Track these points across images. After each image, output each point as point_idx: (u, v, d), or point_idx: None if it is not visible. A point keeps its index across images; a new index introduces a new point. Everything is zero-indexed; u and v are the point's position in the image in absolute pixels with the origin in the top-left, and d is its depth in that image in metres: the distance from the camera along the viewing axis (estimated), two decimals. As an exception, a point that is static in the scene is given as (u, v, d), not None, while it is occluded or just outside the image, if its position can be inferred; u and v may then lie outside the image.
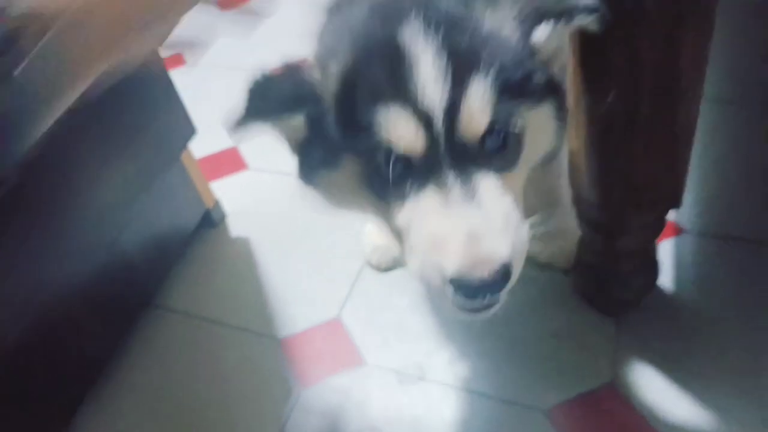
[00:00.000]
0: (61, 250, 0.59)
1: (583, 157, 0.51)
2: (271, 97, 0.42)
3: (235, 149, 0.98)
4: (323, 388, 0.64)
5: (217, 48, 1.20)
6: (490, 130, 0.39)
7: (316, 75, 0.43)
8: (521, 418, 0.58)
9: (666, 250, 0.67)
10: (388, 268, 0.73)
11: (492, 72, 0.39)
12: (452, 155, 0.39)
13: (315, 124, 0.43)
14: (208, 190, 0.83)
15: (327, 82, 0.42)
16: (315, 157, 0.44)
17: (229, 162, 0.95)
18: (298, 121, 0.44)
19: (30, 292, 0.56)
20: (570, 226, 0.60)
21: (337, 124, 0.42)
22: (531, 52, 0.41)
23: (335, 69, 0.42)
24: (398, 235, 0.43)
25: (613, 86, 0.44)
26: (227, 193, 0.87)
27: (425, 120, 0.38)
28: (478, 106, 0.38)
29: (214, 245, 0.83)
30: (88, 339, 0.66)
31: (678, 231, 0.70)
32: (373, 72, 0.40)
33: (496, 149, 0.40)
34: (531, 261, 0.57)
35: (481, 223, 0.38)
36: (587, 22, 0.40)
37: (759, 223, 0.69)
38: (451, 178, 0.39)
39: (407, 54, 0.39)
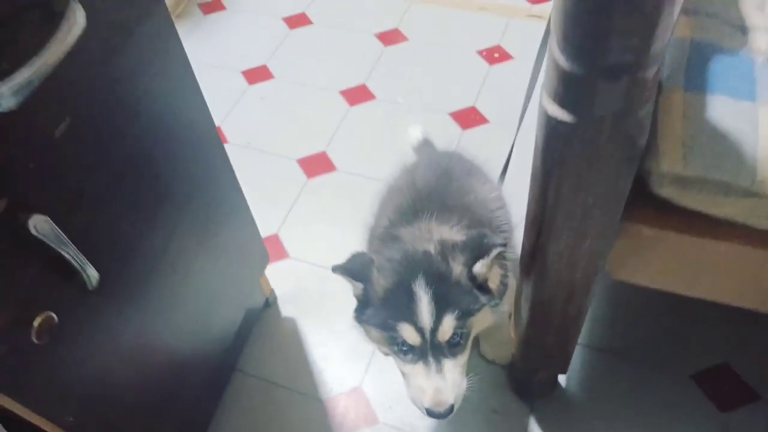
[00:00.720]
0: (171, 322, 0.91)
1: (517, 327, 0.91)
2: (352, 265, 0.78)
3: (276, 236, 1.34)
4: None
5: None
6: (453, 336, 0.75)
7: (375, 273, 0.77)
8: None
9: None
10: None
11: (454, 309, 0.73)
12: (432, 349, 0.75)
13: (367, 296, 0.78)
14: (267, 280, 1.20)
15: (377, 285, 0.77)
16: (364, 311, 0.79)
17: (273, 251, 1.31)
18: (359, 287, 0.79)
19: (148, 352, 0.85)
20: (508, 340, 1.01)
21: (377, 311, 0.78)
22: (475, 280, 0.76)
23: (382, 283, 0.77)
24: (403, 374, 0.81)
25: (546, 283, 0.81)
26: (274, 278, 1.24)
27: (421, 331, 0.74)
28: (447, 329, 0.74)
29: (270, 323, 1.20)
30: (194, 392, 1.02)
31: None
32: (399, 299, 0.75)
33: (455, 344, 0.76)
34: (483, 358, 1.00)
35: (442, 385, 0.75)
36: (500, 252, 0.75)
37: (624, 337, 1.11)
38: (431, 360, 0.75)
39: (416, 296, 0.73)
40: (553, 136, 0.59)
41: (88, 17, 0.56)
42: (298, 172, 1.48)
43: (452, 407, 0.75)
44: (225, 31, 1.90)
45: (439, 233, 0.80)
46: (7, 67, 0.50)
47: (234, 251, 1.01)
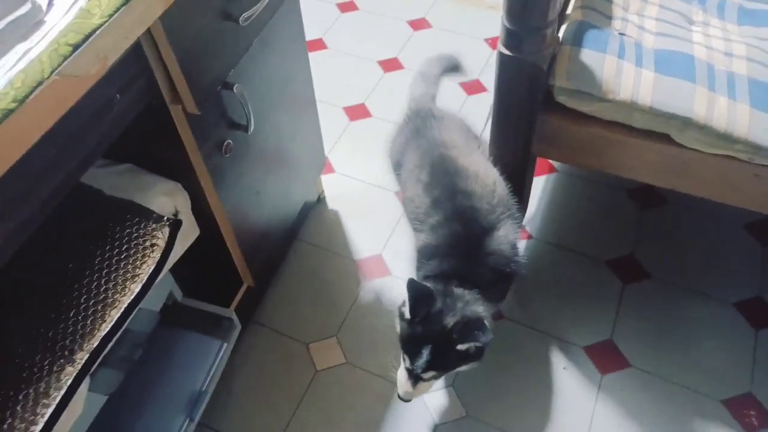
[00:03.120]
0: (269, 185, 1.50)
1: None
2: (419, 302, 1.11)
3: (327, 158, 1.91)
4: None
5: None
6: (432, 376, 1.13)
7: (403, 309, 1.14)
8: None
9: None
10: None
11: (436, 369, 1.11)
12: (415, 374, 1.12)
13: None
14: (320, 182, 1.77)
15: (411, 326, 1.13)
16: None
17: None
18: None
19: (262, 194, 1.50)
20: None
21: (407, 334, 1.14)
22: (460, 353, 1.09)
23: (400, 327, 1.17)
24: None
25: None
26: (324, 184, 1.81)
27: (411, 362, 1.11)
28: (428, 375, 1.11)
29: (321, 211, 1.78)
30: (275, 240, 1.58)
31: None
32: (413, 347, 1.11)
33: (429, 378, 1.13)
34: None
35: (410, 391, 1.14)
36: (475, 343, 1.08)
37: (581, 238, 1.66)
38: (412, 378, 1.13)
39: (420, 352, 1.09)
40: (502, 64, 1.15)
41: None
42: (344, 117, 2.06)
43: (410, 400, 1.18)
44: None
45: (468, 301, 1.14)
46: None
47: (306, 156, 1.57)
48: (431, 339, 1.09)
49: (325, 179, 1.84)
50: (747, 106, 1.10)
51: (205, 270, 1.38)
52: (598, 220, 1.73)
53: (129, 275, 0.96)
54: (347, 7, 2.48)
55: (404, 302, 1.12)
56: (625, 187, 1.78)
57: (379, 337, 1.51)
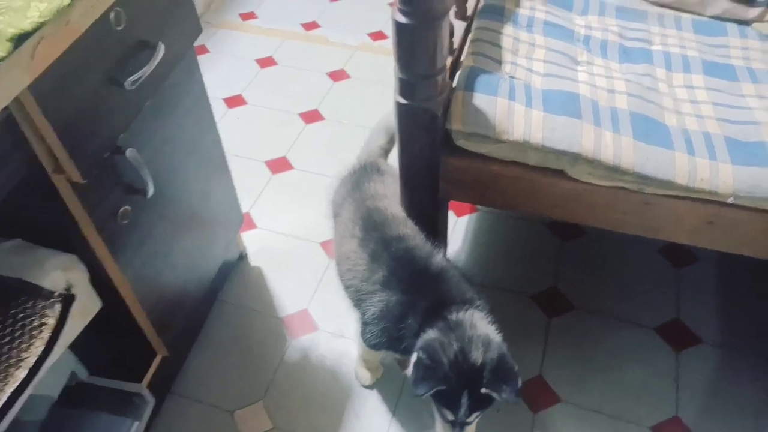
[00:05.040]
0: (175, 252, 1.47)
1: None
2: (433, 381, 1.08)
3: (248, 213, 1.91)
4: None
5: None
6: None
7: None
8: None
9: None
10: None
11: (481, 410, 1.09)
12: (459, 423, 1.11)
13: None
14: (241, 240, 1.76)
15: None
16: (427, 381, 1.08)
17: (245, 223, 1.87)
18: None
19: (171, 262, 1.47)
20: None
21: (434, 384, 1.08)
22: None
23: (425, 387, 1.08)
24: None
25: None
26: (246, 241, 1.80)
27: (455, 415, 1.09)
28: (472, 420, 1.11)
29: (243, 269, 1.76)
30: (191, 304, 1.55)
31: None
32: (446, 394, 1.08)
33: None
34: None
35: None
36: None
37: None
38: (457, 427, 1.11)
39: (459, 401, 1.07)
40: (400, 112, 1.20)
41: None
42: (266, 170, 2.07)
43: None
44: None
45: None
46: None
47: (220, 214, 1.57)
48: (465, 383, 1.07)
49: (247, 236, 1.83)
50: (631, 138, 1.17)
51: (114, 344, 1.34)
52: (521, 256, 1.78)
53: (13, 361, 0.92)
54: (266, 63, 2.53)
55: (417, 364, 1.11)
56: (545, 221, 1.85)
57: (309, 397, 1.48)
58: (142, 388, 1.27)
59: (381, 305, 1.22)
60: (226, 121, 2.26)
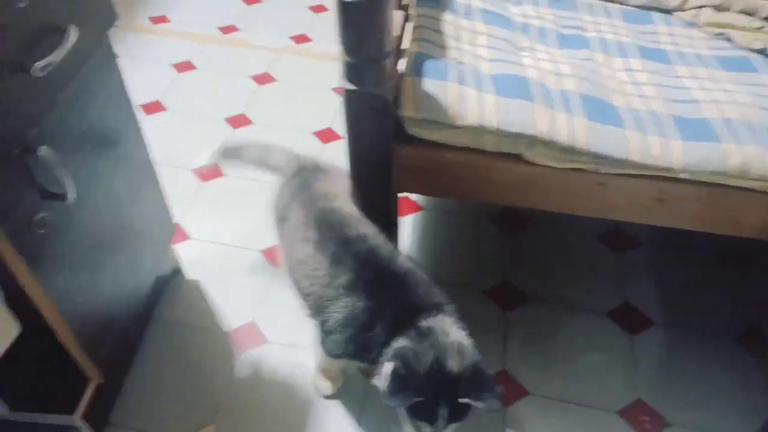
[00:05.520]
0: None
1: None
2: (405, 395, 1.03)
3: (178, 224, 1.77)
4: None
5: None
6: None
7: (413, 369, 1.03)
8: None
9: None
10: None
11: (459, 420, 1.03)
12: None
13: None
14: (174, 253, 1.62)
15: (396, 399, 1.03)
16: (398, 395, 1.03)
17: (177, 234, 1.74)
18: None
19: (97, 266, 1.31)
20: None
21: (407, 398, 1.02)
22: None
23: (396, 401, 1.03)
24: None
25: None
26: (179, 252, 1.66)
27: (432, 426, 1.04)
28: (451, 428, 1.04)
29: (178, 284, 1.62)
30: (124, 324, 1.40)
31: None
32: (422, 406, 1.02)
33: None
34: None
35: None
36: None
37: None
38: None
39: (437, 413, 1.02)
40: (348, 99, 1.13)
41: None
42: (194, 178, 1.93)
43: None
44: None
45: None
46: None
47: (151, 222, 1.44)
48: (443, 393, 1.02)
49: (180, 247, 1.69)
50: (584, 119, 1.17)
51: (39, 373, 1.18)
52: (469, 252, 1.76)
53: None
54: (185, 67, 2.39)
55: (393, 375, 1.04)
56: (490, 216, 1.84)
57: (265, 416, 1.37)
58: (76, 420, 1.11)
59: (346, 311, 1.14)
60: (145, 128, 2.10)
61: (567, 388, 1.44)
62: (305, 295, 1.24)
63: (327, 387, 1.40)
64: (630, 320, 1.59)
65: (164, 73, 2.36)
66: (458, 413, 1.05)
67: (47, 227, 0.99)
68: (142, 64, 2.39)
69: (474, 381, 1.04)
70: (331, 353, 1.21)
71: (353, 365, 1.43)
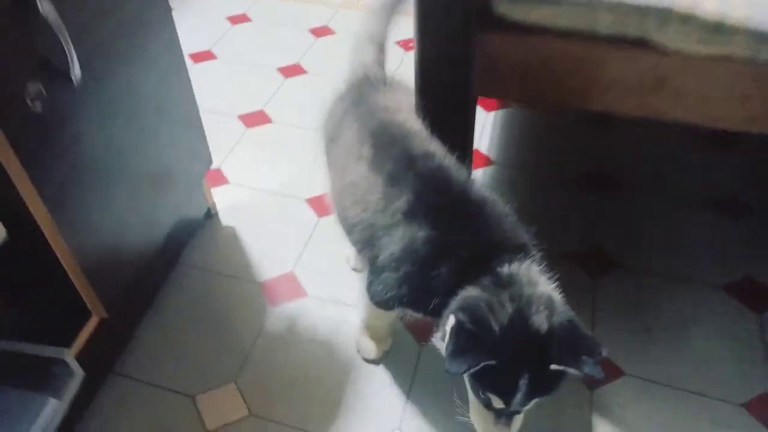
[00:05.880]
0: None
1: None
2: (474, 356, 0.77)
3: (219, 170, 1.58)
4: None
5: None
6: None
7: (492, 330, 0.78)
8: None
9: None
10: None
11: (542, 395, 0.79)
12: (510, 412, 0.83)
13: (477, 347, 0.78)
14: (210, 193, 1.43)
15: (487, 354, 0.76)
16: (467, 356, 0.77)
17: (217, 179, 1.55)
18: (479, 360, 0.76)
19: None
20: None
21: (478, 361, 0.76)
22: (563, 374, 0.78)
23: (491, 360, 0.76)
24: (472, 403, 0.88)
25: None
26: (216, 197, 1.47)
27: (507, 403, 0.79)
28: (528, 406, 0.81)
29: (212, 229, 1.43)
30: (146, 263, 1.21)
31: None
32: (497, 373, 0.76)
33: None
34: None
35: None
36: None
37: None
38: (503, 418, 0.84)
39: (517, 382, 0.76)
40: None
41: None
42: (239, 125, 1.75)
43: None
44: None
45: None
46: None
47: (183, 145, 1.25)
48: (524, 357, 0.78)
49: (217, 192, 1.50)
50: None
51: (34, 301, 1.00)
52: (549, 214, 1.48)
53: None
54: (239, 20, 2.24)
55: (457, 330, 0.80)
56: (573, 174, 1.57)
57: (296, 377, 1.14)
58: (66, 353, 0.92)
59: (403, 243, 0.90)
60: (192, 76, 1.94)
61: (674, 371, 1.15)
62: (352, 227, 1.01)
63: (371, 349, 1.16)
64: (754, 296, 1.27)
65: (217, 25, 2.21)
66: (544, 385, 0.79)
67: (43, 102, 0.80)
68: (193, 17, 2.25)
69: (569, 342, 0.78)
70: (378, 297, 0.97)
71: (404, 319, 1.19)
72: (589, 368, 0.75)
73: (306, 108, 1.78)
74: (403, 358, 1.17)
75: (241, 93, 1.87)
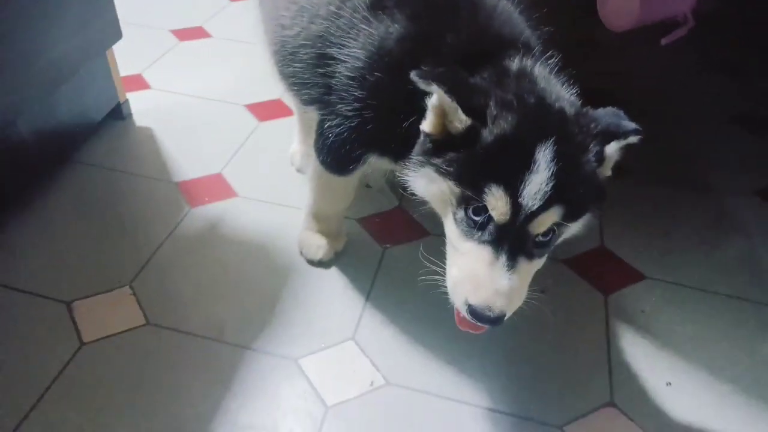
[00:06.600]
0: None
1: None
2: (464, 88, 0.58)
3: (141, 75, 1.31)
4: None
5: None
6: (545, 233, 0.59)
7: (492, 111, 0.58)
8: None
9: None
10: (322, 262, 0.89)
11: (569, 199, 0.57)
12: (515, 236, 0.57)
13: (456, 136, 0.59)
14: (122, 87, 1.15)
15: (488, 127, 0.58)
16: (442, 153, 0.59)
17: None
18: (462, 120, 0.58)
19: None
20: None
21: (466, 161, 0.58)
22: (597, 167, 0.59)
23: (497, 130, 0.58)
24: (452, 252, 0.62)
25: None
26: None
27: (515, 208, 0.56)
28: (547, 222, 0.58)
29: (124, 129, 1.14)
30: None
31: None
32: (508, 157, 0.57)
33: (541, 244, 0.59)
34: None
35: (506, 287, 0.57)
36: (634, 140, 0.60)
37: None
38: (506, 249, 0.58)
39: (534, 163, 0.56)
40: None
41: None
42: (171, 38, 1.48)
43: (503, 317, 0.59)
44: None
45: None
46: None
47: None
48: (550, 129, 0.58)
49: (136, 96, 1.23)
50: None
51: None
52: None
53: None
54: None
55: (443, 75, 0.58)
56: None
57: (214, 280, 0.86)
58: None
59: (370, 47, 0.66)
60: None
61: (704, 275, 0.91)
62: (294, 53, 0.74)
63: (320, 246, 0.89)
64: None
65: None
66: (572, 187, 0.57)
67: None
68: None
69: (602, 117, 0.61)
70: (335, 142, 0.71)
71: (368, 184, 0.98)
72: (632, 128, 0.59)
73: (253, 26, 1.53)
74: (363, 263, 0.90)
75: (177, 10, 1.61)
